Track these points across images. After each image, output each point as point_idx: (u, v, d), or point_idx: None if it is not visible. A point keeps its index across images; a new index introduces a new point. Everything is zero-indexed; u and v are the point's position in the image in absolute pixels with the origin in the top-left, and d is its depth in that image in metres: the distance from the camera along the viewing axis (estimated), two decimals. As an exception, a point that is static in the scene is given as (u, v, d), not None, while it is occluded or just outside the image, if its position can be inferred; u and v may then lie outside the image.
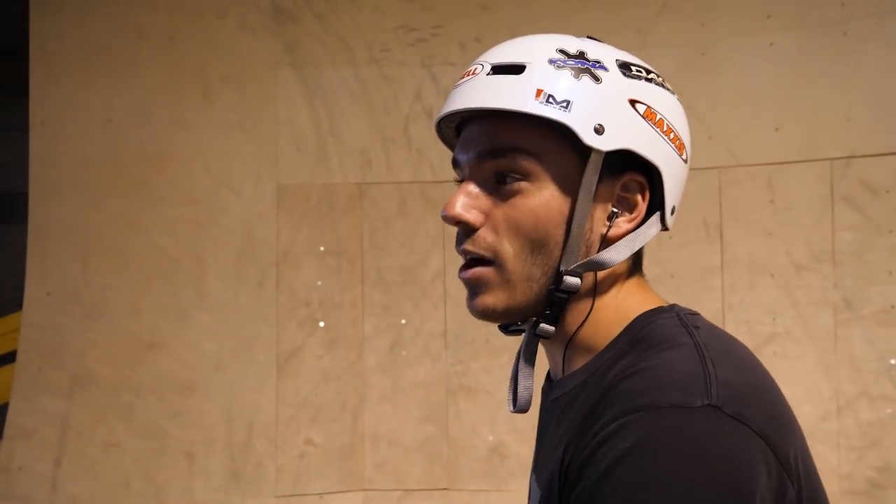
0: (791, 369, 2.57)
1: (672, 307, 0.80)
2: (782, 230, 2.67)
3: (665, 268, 2.69)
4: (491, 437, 2.99)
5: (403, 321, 3.05)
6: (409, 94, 3.07)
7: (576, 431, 0.72)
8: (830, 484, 2.39)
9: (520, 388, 0.86)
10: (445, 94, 3.27)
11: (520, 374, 0.86)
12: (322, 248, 3.05)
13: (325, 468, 3.01)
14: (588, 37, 0.81)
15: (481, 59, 0.78)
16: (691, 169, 2.94)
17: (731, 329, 2.27)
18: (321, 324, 3.03)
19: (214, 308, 2.95)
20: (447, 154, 3.20)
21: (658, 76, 0.81)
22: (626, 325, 0.78)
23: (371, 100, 3.08)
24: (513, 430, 2.97)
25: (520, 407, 0.86)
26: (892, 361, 2.49)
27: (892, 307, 2.50)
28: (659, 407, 0.65)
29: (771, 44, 2.69)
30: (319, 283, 3.04)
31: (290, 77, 3.05)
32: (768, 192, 2.69)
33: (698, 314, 0.80)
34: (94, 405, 2.85)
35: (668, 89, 0.81)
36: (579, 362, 0.81)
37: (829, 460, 2.51)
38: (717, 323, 0.82)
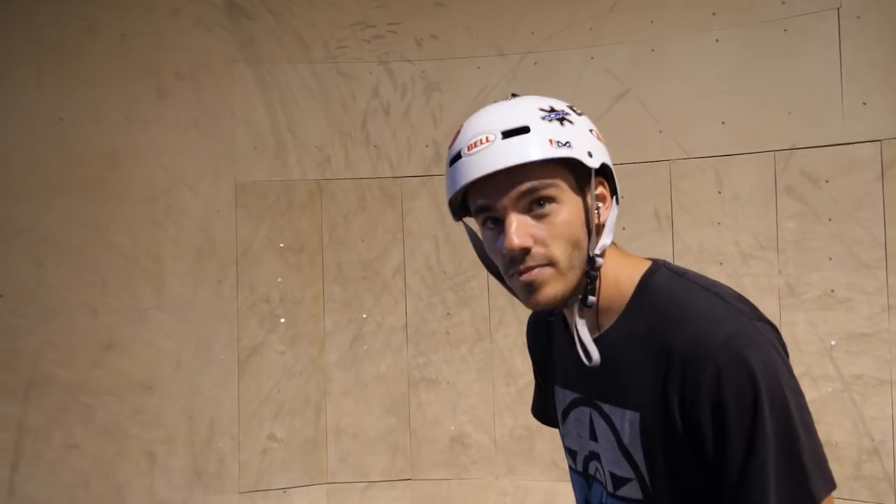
0: (739, 353, 2.68)
1: (656, 263, 1.07)
2: (730, 220, 2.78)
3: (619, 258, 2.77)
4: (452, 427, 3.05)
5: (364, 316, 3.08)
6: (366, 91, 3.10)
7: (665, 370, 0.97)
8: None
9: (590, 348, 1.04)
10: (403, 90, 3.27)
11: (582, 335, 1.05)
12: (282, 245, 3.05)
13: (288, 463, 3.03)
14: (513, 94, 1.07)
15: (481, 132, 1.00)
16: (643, 162, 3.02)
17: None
18: (282, 320, 3.04)
19: (173, 307, 2.94)
20: (405, 150, 3.24)
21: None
22: (634, 286, 1.05)
23: (328, 96, 3.10)
24: (473, 419, 3.03)
25: (595, 363, 1.04)
26: (833, 343, 2.62)
27: (832, 291, 2.62)
28: (731, 336, 0.93)
29: (717, 40, 2.79)
30: (280, 279, 3.04)
31: (246, 74, 3.05)
32: (716, 183, 2.80)
33: (668, 261, 1.08)
34: (51, 407, 2.82)
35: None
36: (608, 319, 1.07)
37: (776, 439, 2.62)
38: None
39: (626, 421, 1.02)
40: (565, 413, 1.17)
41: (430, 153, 3.06)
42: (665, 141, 2.86)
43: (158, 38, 2.98)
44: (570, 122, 1.01)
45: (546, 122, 1.00)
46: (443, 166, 3.09)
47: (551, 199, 0.99)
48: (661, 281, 1.04)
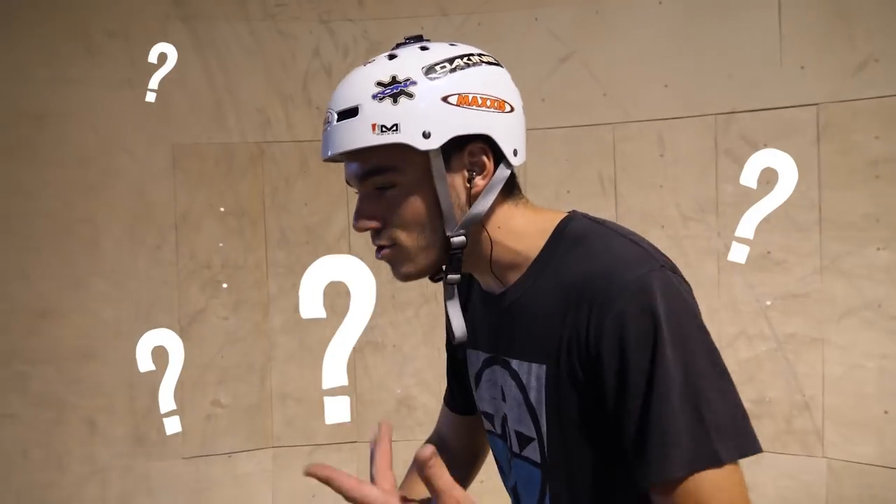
0: (678, 314, 2.73)
1: (574, 213, 1.04)
2: (671, 183, 2.80)
3: (562, 221, 2.79)
4: (399, 390, 3.06)
5: (308, 280, 3.05)
6: (306, 51, 3.02)
7: (572, 316, 0.94)
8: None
9: (454, 324, 1.04)
10: (344, 51, 3.20)
11: (450, 312, 1.05)
12: (222, 210, 2.99)
13: (233, 428, 3.01)
14: (406, 38, 0.98)
15: (330, 107, 0.97)
16: (587, 125, 2.99)
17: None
18: (224, 286, 2.99)
19: (111, 273, 2.87)
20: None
21: (463, 57, 0.97)
22: (548, 235, 1.01)
23: (267, 56, 3.01)
24: (419, 382, 3.05)
25: (459, 339, 1.04)
26: (768, 303, 2.69)
27: (769, 253, 2.68)
28: (639, 278, 0.89)
29: (660, 3, 2.78)
30: (221, 244, 2.99)
31: (180, 32, 2.94)
32: (659, 146, 2.81)
33: (587, 213, 1.05)
34: (-16, 377, 2.74)
35: (473, 64, 0.97)
36: (515, 275, 1.03)
37: (712, 397, 2.70)
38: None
39: (533, 375, 1.00)
40: (478, 376, 1.15)
41: (374, 115, 3.01)
42: (609, 104, 2.86)
43: (86, -7, 2.85)
44: (409, 94, 0.92)
45: (376, 102, 0.92)
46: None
47: (389, 185, 0.96)
48: (576, 229, 1.00)
